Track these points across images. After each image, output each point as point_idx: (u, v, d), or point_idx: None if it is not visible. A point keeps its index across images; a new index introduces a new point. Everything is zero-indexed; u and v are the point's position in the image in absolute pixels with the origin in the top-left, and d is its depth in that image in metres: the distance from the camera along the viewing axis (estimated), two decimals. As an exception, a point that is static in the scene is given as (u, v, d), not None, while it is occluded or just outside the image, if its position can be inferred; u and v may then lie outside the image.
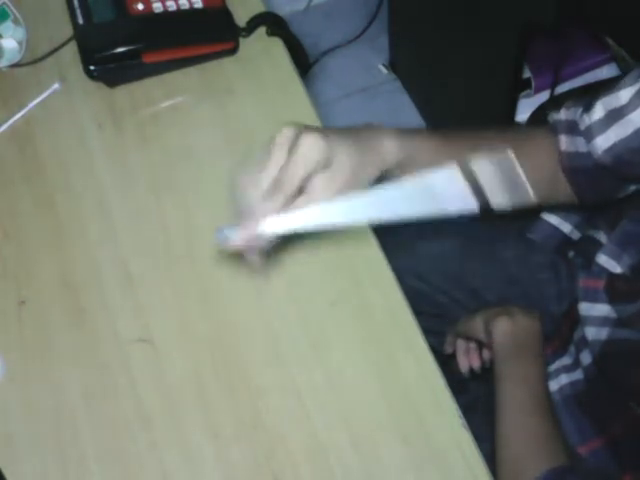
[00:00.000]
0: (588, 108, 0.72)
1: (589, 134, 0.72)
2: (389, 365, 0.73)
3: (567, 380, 0.85)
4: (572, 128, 0.73)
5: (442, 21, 1.55)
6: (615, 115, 0.69)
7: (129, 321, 0.75)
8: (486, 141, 0.74)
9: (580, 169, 0.74)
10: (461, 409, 0.71)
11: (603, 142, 0.70)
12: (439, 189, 0.59)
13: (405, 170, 0.65)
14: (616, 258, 0.79)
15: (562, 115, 0.75)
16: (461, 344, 0.96)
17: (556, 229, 0.95)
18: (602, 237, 0.86)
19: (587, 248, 0.87)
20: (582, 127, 0.72)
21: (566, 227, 0.94)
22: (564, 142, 0.74)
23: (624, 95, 0.69)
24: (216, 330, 0.75)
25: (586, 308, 0.80)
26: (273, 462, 0.69)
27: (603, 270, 0.80)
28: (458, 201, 0.58)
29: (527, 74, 1.38)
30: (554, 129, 0.75)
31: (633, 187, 0.75)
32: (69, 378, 0.72)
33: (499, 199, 0.59)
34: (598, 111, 0.71)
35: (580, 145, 0.73)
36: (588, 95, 0.73)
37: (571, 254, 0.94)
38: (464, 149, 0.65)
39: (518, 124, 0.76)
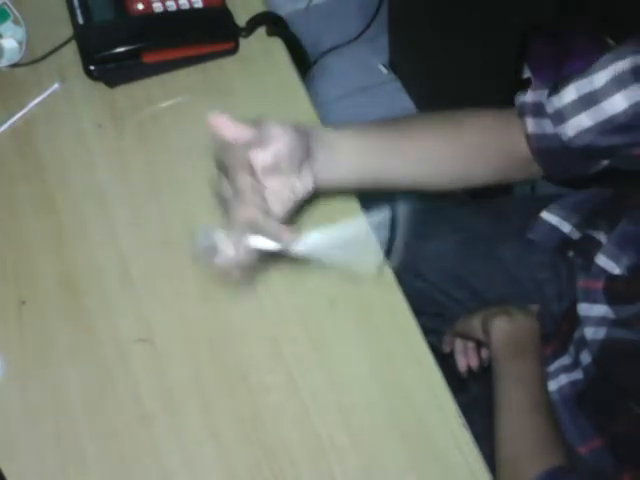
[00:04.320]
0: (557, 90, 0.71)
1: (559, 117, 0.71)
2: (389, 365, 0.73)
3: (567, 380, 0.85)
4: (538, 110, 0.73)
5: (442, 21, 1.55)
6: (588, 99, 0.69)
7: (129, 321, 0.75)
8: (432, 126, 0.75)
9: (548, 150, 0.74)
10: (461, 409, 0.71)
11: (575, 125, 0.70)
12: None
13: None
14: (615, 259, 0.79)
15: (528, 97, 0.75)
16: (459, 343, 0.96)
17: (556, 229, 0.95)
18: (602, 237, 0.86)
19: (587, 248, 0.87)
20: (549, 109, 0.72)
21: (566, 227, 0.94)
22: (530, 124, 0.74)
23: (597, 79, 0.68)
24: (216, 330, 0.75)
25: (585, 308, 0.80)
26: (273, 462, 0.69)
27: (602, 271, 0.80)
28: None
29: (527, 74, 1.38)
30: (520, 111, 0.75)
31: (604, 162, 0.75)
32: (69, 378, 0.72)
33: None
34: (570, 94, 0.70)
35: (547, 127, 0.73)
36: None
37: (571, 254, 0.94)
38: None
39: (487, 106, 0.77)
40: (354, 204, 0.80)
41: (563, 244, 0.95)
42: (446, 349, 0.98)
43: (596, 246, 0.84)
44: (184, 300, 0.76)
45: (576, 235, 0.94)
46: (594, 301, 0.79)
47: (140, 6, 0.86)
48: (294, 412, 0.71)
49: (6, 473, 0.67)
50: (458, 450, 0.69)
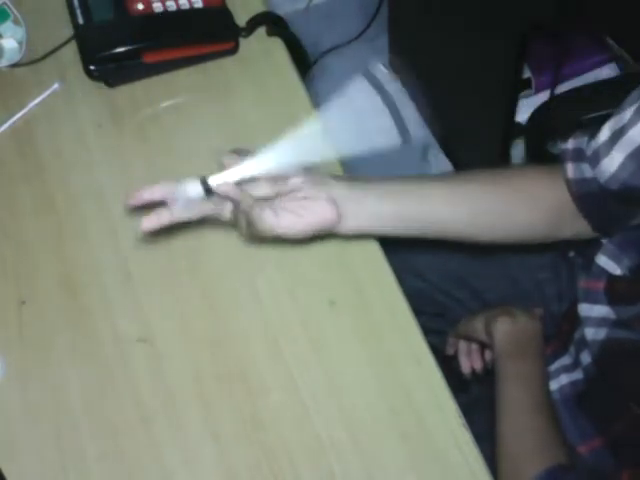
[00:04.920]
0: (594, 134, 0.71)
1: (595, 158, 0.71)
2: (389, 365, 0.73)
3: (567, 380, 0.85)
4: (578, 155, 0.73)
5: (442, 21, 1.55)
6: (618, 134, 0.68)
7: (129, 321, 0.75)
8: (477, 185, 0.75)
9: (587, 195, 0.73)
10: (462, 409, 0.71)
11: (609, 164, 0.69)
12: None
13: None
14: (616, 259, 0.79)
15: (569, 144, 0.74)
16: (463, 345, 0.96)
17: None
18: (607, 238, 0.86)
19: (587, 248, 0.87)
20: (588, 153, 0.71)
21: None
22: (570, 169, 0.73)
23: (627, 114, 0.67)
24: (216, 330, 0.75)
25: (586, 309, 0.80)
26: (273, 462, 0.69)
27: (603, 271, 0.80)
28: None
29: (527, 74, 1.38)
30: (561, 158, 0.74)
31: None
32: (69, 378, 0.72)
33: None
34: (604, 134, 0.70)
35: (586, 171, 0.72)
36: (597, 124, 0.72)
37: (571, 254, 0.94)
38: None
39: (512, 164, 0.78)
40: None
41: (564, 244, 0.95)
42: (450, 351, 0.98)
43: (596, 246, 0.84)
44: (184, 300, 0.76)
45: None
46: (595, 301, 0.79)
47: (140, 6, 0.86)
48: (294, 412, 0.71)
49: (6, 473, 0.67)
50: (458, 450, 0.69)
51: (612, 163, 0.69)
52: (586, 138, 0.73)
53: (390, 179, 0.73)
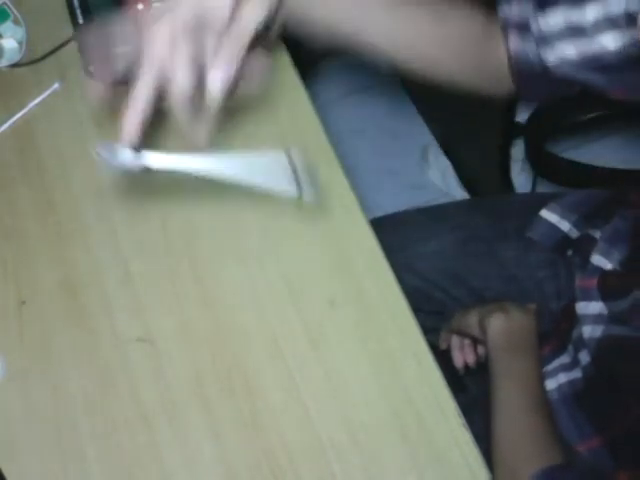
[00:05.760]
0: (543, 7, 0.66)
1: (543, 41, 0.67)
2: (389, 365, 0.73)
3: (566, 379, 0.85)
4: (523, 26, 0.68)
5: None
6: (578, 31, 0.64)
7: (129, 321, 0.75)
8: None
9: (527, 72, 0.70)
10: (461, 409, 0.71)
11: (560, 53, 0.66)
12: (267, 168, 0.65)
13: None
14: (607, 255, 0.79)
15: (514, 9, 0.69)
16: (456, 340, 0.96)
17: (555, 227, 0.95)
18: (599, 236, 0.86)
19: (584, 247, 0.87)
20: (534, 29, 0.67)
21: (565, 225, 0.94)
22: (514, 42, 0.69)
23: (590, 13, 0.63)
24: (216, 330, 0.75)
25: (582, 307, 0.80)
26: (273, 462, 0.69)
27: (596, 269, 0.80)
28: (282, 183, 0.64)
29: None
30: (504, 23, 0.70)
31: (577, 88, 0.71)
32: (69, 378, 0.72)
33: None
34: (557, 19, 0.66)
35: (530, 50, 0.68)
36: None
37: (569, 253, 0.94)
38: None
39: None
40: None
41: (562, 243, 0.95)
42: (443, 345, 0.98)
43: (593, 245, 0.85)
44: (184, 300, 0.76)
45: (575, 234, 0.94)
46: (590, 299, 0.79)
47: (140, 6, 0.85)
48: (294, 412, 0.71)
49: (6, 473, 0.67)
50: (458, 450, 0.69)
51: (564, 54, 0.66)
52: (530, 8, 0.68)
53: None
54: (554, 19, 0.66)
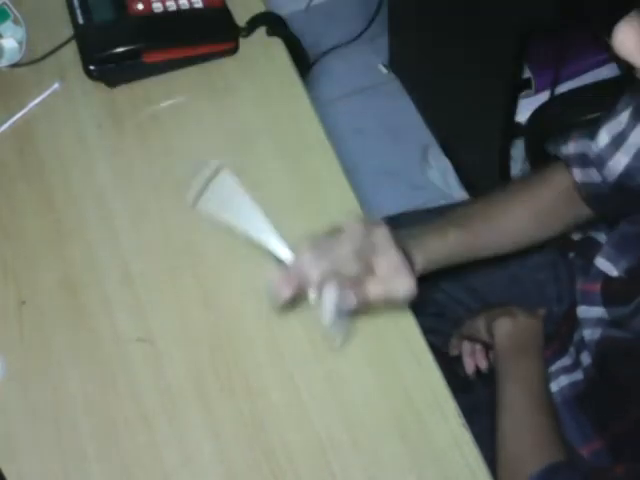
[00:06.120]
0: (593, 136, 0.74)
1: (600, 161, 0.74)
2: (389, 365, 0.73)
3: (567, 381, 0.84)
4: (584, 160, 0.76)
5: (442, 21, 1.55)
6: (619, 139, 0.72)
7: (129, 321, 0.75)
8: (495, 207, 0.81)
9: (597, 196, 0.77)
10: (465, 409, 0.71)
11: (616, 166, 0.73)
12: None
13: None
14: (613, 261, 0.79)
15: (571, 148, 0.77)
16: (467, 346, 0.96)
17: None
18: (602, 238, 0.86)
19: (587, 250, 0.87)
20: (592, 156, 0.75)
21: (566, 227, 0.94)
22: (577, 174, 0.77)
23: (623, 118, 0.71)
24: (216, 330, 0.75)
25: (584, 311, 0.80)
26: (273, 462, 0.69)
27: (600, 273, 0.80)
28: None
29: (527, 74, 1.38)
30: (566, 163, 0.78)
31: None
32: (69, 378, 0.72)
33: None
34: (603, 138, 0.73)
35: (594, 175, 0.76)
36: (591, 125, 0.76)
37: (571, 255, 0.94)
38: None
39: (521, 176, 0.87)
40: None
41: (564, 245, 0.95)
42: (454, 352, 0.98)
43: (596, 248, 0.84)
44: (184, 300, 0.76)
45: (577, 236, 0.94)
46: (592, 303, 0.79)
47: (140, 6, 0.86)
48: (294, 412, 0.71)
49: (6, 473, 0.67)
50: (458, 450, 0.69)
51: (619, 165, 0.72)
52: (587, 141, 0.75)
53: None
54: (602, 139, 0.73)
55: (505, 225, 0.80)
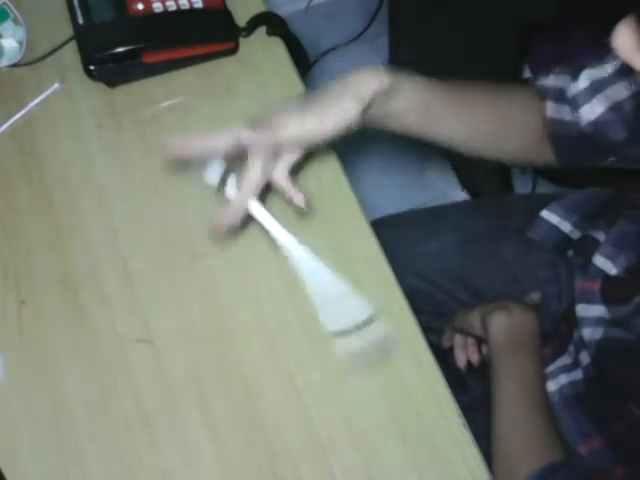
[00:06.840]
0: (575, 77, 0.73)
1: (575, 103, 0.72)
2: (389, 365, 0.73)
3: (566, 380, 0.84)
4: (559, 95, 0.74)
5: (442, 21, 1.55)
6: (598, 86, 0.71)
7: (129, 321, 0.75)
8: (480, 95, 0.76)
9: (563, 137, 0.75)
10: (462, 409, 0.71)
11: (588, 112, 0.72)
12: (341, 302, 0.69)
13: (400, 117, 0.70)
14: (612, 259, 0.79)
15: (550, 81, 0.76)
16: (459, 339, 0.96)
17: (556, 228, 0.95)
18: (601, 237, 0.86)
19: (586, 248, 0.87)
20: (569, 95, 0.73)
21: (566, 226, 0.94)
22: (550, 108, 0.75)
23: (609, 69, 0.71)
24: (216, 330, 0.75)
25: (583, 309, 0.80)
26: (273, 462, 0.69)
27: (599, 271, 0.80)
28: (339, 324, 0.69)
29: (527, 74, 1.38)
30: (542, 94, 0.76)
31: (611, 159, 0.76)
32: (69, 378, 0.72)
33: None
34: (583, 80, 0.72)
35: (565, 113, 0.74)
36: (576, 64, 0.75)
37: (570, 253, 0.94)
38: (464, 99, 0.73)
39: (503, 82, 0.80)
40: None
41: (563, 243, 0.95)
42: (446, 344, 0.98)
43: (595, 246, 0.84)
44: (184, 300, 0.76)
45: (576, 235, 0.94)
46: (591, 302, 0.79)
47: (140, 6, 0.86)
48: (294, 412, 0.71)
49: (6, 473, 0.67)
50: (458, 450, 0.69)
51: (593, 111, 0.71)
52: (568, 77, 0.74)
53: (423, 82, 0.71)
54: (581, 82, 0.72)
55: (467, 114, 0.75)
